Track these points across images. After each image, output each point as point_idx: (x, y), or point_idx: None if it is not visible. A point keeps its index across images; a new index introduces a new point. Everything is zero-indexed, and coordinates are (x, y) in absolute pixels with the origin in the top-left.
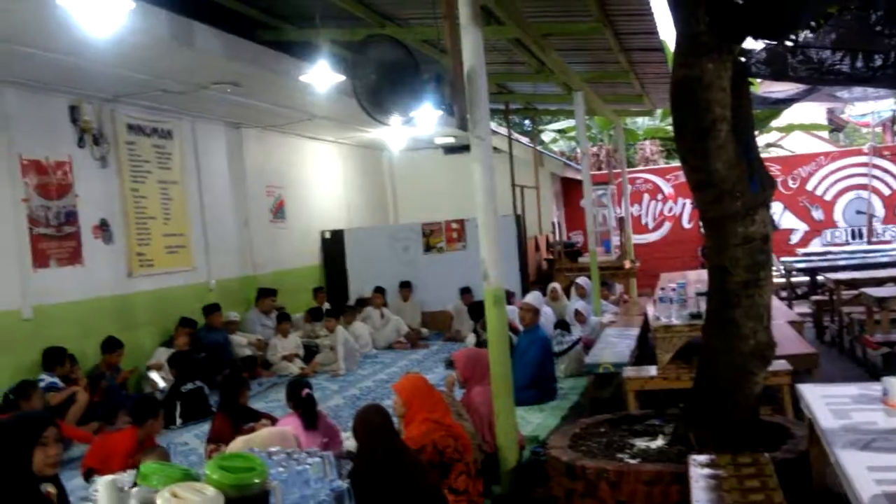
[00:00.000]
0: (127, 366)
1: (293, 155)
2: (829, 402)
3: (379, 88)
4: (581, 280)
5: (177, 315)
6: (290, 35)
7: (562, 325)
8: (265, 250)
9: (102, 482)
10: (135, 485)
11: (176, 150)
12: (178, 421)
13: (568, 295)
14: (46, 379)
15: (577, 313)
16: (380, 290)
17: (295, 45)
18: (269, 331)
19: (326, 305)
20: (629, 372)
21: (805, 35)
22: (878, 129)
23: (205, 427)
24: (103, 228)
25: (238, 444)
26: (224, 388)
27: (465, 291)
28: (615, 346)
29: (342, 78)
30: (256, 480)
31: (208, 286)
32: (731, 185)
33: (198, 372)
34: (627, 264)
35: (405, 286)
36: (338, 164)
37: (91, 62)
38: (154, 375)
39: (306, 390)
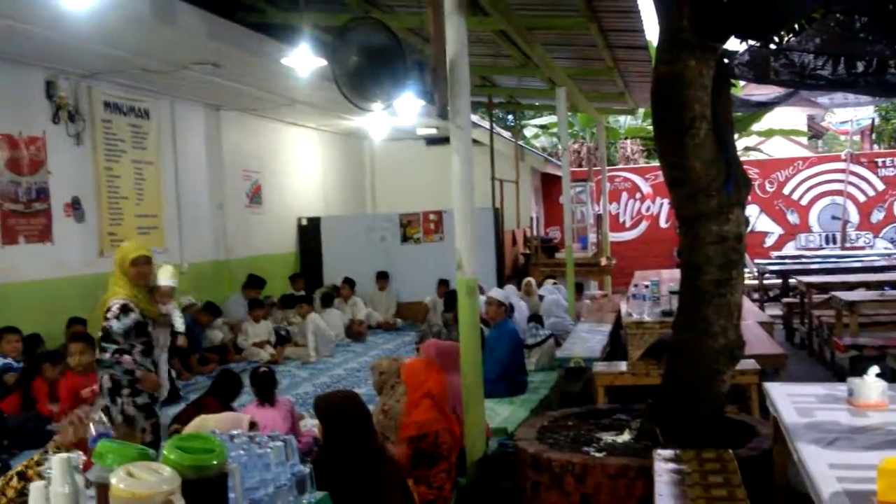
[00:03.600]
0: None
1: (272, 140)
2: (794, 401)
3: (360, 73)
4: (530, 279)
5: None
6: (272, 17)
7: (535, 318)
8: (240, 235)
9: (56, 460)
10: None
11: (153, 129)
12: None
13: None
14: None
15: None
16: (348, 281)
17: (277, 27)
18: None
19: (301, 292)
20: (599, 367)
21: (788, 38)
22: (857, 137)
23: (171, 410)
24: (75, 207)
25: (193, 425)
26: (223, 383)
27: (443, 283)
28: (587, 341)
29: (324, 63)
30: (215, 462)
31: (181, 268)
32: (707, 183)
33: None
34: (603, 261)
35: (382, 276)
36: (317, 151)
37: (69, 37)
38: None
39: (263, 368)
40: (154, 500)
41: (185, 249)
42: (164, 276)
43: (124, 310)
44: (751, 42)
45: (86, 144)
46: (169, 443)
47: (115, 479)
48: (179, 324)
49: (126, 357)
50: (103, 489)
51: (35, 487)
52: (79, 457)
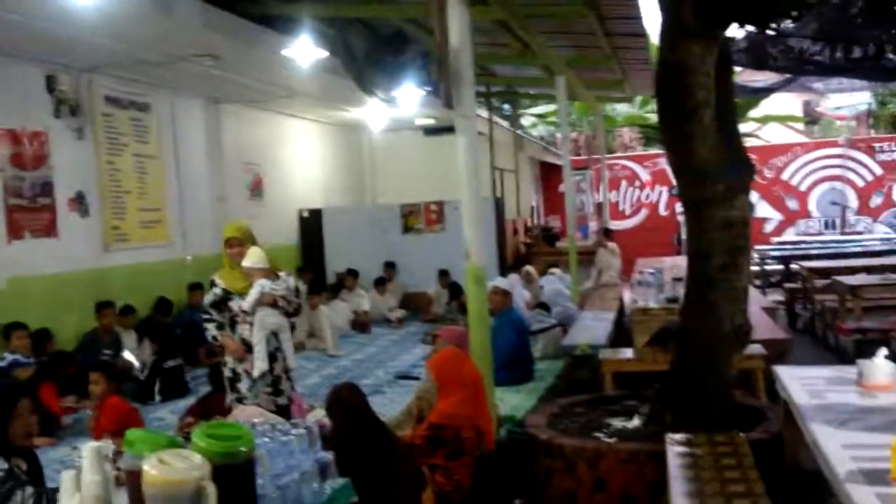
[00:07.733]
0: None
1: (272, 132)
2: (804, 383)
3: (365, 66)
4: (529, 267)
5: (152, 290)
6: (272, 9)
7: (542, 305)
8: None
9: (87, 448)
10: (120, 452)
11: (153, 123)
12: (157, 398)
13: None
14: (8, 357)
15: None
16: (352, 273)
17: (277, 19)
18: None
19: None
20: (606, 353)
21: (786, 24)
22: (853, 123)
23: (181, 403)
24: (79, 201)
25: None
26: None
27: (444, 274)
28: (592, 328)
29: (325, 54)
30: (243, 449)
31: (184, 261)
32: (712, 169)
33: (177, 347)
34: None
35: (389, 266)
36: (317, 143)
37: (70, 30)
38: (127, 355)
39: None
40: (185, 486)
41: (188, 243)
42: (246, 258)
43: (211, 284)
44: (748, 28)
45: (87, 139)
46: (198, 430)
47: (148, 466)
48: (246, 303)
49: (209, 325)
50: (135, 476)
51: (66, 476)
52: (109, 446)
